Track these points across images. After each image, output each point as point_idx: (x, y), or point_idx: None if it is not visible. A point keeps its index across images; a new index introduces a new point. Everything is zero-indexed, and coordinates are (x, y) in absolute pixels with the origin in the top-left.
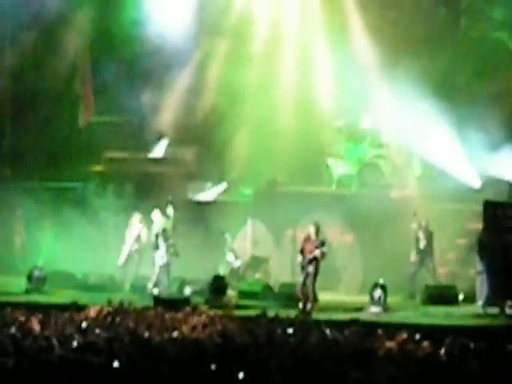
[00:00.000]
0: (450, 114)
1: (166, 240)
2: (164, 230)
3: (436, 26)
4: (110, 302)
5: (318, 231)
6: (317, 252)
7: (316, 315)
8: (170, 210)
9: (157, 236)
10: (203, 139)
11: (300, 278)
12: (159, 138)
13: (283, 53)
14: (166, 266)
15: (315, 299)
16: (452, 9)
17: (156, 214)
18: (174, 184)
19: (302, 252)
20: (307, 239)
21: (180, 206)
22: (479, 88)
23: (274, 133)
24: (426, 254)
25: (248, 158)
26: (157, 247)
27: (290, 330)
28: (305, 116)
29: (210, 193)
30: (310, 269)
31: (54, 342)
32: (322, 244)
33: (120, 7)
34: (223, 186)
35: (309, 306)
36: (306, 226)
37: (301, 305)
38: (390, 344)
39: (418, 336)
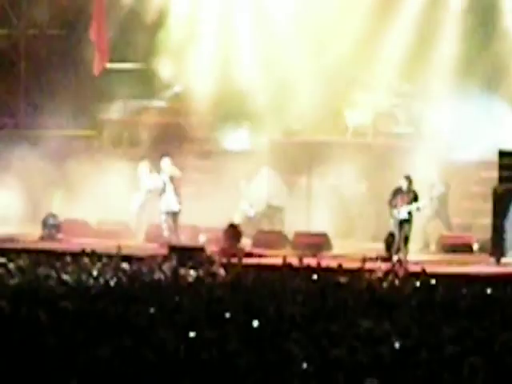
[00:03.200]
0: None
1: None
2: (171, 178)
3: None
4: (119, 248)
5: (410, 184)
6: (411, 207)
7: (333, 263)
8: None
9: (164, 183)
10: (219, 88)
11: (395, 232)
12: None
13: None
14: (175, 214)
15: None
16: None
17: (165, 162)
18: (190, 133)
19: (390, 204)
20: (397, 192)
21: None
22: None
23: (289, 81)
24: (439, 203)
25: (263, 107)
26: (163, 194)
27: (315, 277)
28: (320, 65)
29: (238, 141)
30: (404, 222)
31: (69, 289)
32: (416, 199)
33: None
34: (243, 133)
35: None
36: (320, 175)
37: (395, 258)
38: (405, 291)
39: (433, 282)
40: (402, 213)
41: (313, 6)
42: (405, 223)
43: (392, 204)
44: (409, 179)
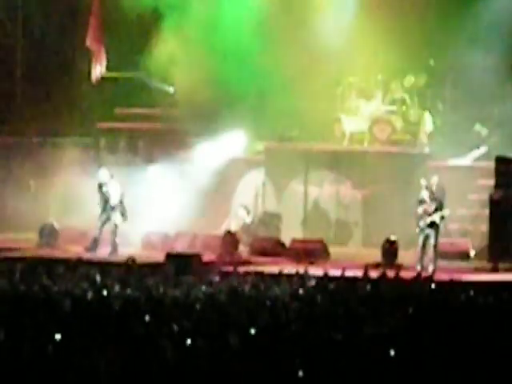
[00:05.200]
0: None
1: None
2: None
3: None
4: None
5: (432, 194)
6: (435, 216)
7: (329, 271)
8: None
9: (122, 196)
10: (214, 95)
11: (419, 241)
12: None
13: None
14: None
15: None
16: None
17: (103, 174)
18: (186, 140)
19: (415, 214)
20: (421, 202)
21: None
22: None
23: (285, 87)
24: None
25: (260, 113)
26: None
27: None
28: (317, 71)
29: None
30: (430, 231)
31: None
32: (441, 207)
33: None
34: (239, 139)
35: (430, 268)
36: (317, 182)
37: (418, 267)
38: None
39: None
40: (424, 222)
41: (310, 16)
42: (430, 232)
43: (416, 214)
44: (431, 189)
